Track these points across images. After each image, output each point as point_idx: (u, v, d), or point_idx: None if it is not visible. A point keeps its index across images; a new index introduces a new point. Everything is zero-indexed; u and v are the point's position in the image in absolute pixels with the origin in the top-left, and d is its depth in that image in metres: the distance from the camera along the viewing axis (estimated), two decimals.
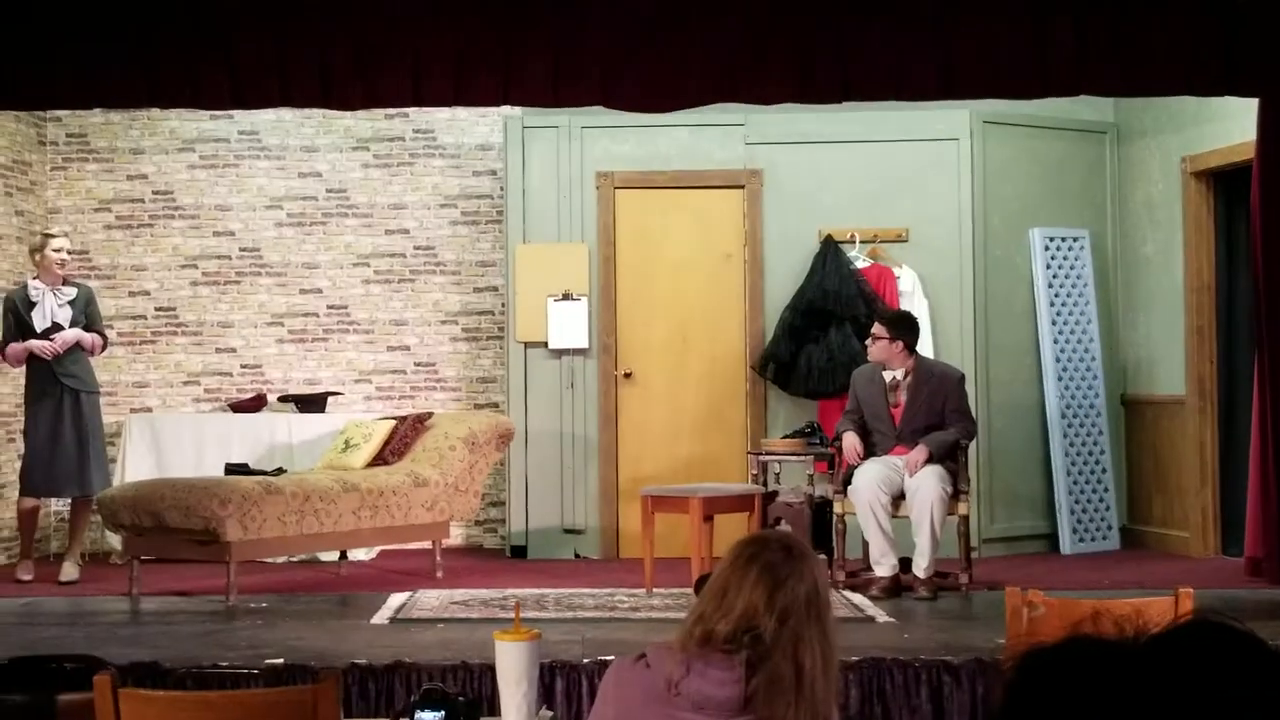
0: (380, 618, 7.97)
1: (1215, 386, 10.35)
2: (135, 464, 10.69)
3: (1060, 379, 10.87)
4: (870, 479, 8.72)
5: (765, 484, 9.51)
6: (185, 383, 11.67)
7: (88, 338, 9.71)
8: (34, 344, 9.54)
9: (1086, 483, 10.89)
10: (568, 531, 10.80)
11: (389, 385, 11.66)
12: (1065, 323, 10.95)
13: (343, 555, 9.99)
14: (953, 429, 8.87)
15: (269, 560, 10.00)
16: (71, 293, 9.75)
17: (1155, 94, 8.26)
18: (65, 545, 10.17)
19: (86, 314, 9.78)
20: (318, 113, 11.22)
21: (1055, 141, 11.06)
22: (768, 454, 9.69)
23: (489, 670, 5.90)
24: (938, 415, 8.91)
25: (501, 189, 11.31)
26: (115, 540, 9.89)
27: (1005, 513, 10.79)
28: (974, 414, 9.29)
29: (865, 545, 8.89)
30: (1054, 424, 10.82)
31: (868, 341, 9.22)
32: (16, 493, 9.98)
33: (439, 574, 9.54)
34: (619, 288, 10.90)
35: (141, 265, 11.69)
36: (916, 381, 8.98)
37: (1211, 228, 10.38)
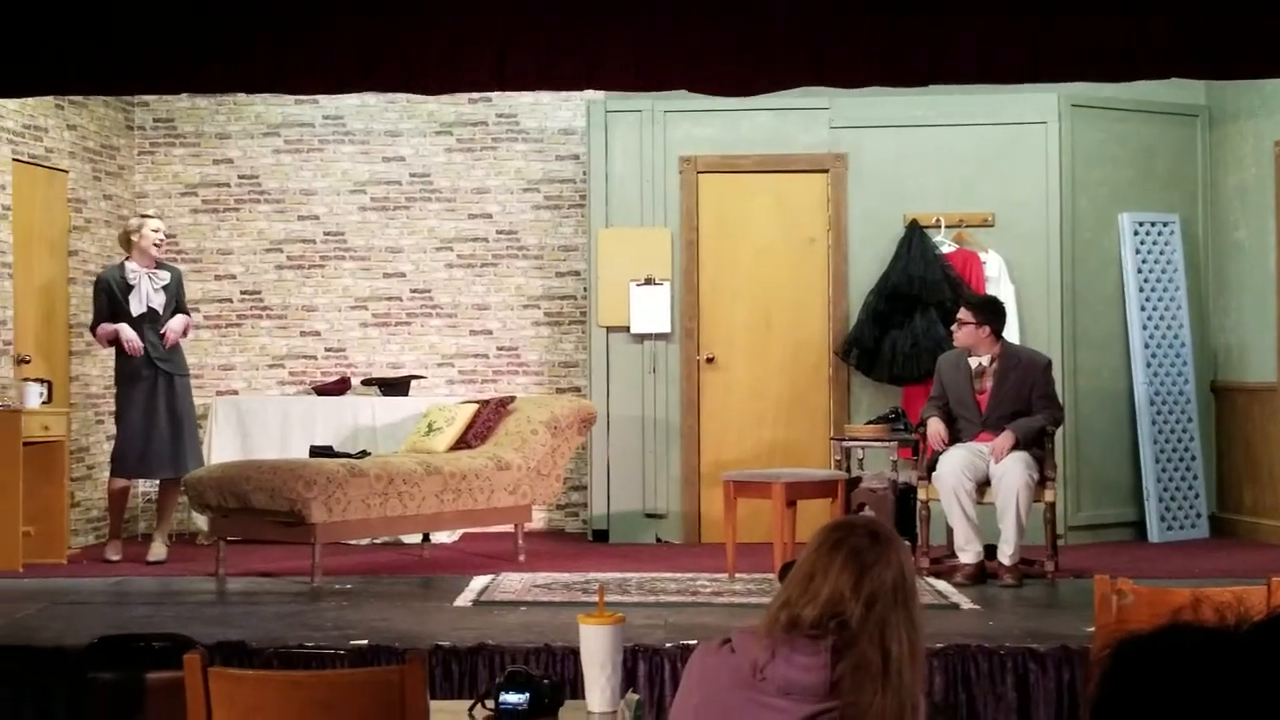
0: (463, 600, 7.99)
1: None
2: (221, 446, 10.78)
3: (1149, 365, 10.75)
4: (955, 465, 8.66)
5: (848, 470, 9.46)
6: (270, 366, 11.75)
7: (188, 322, 9.89)
8: (123, 336, 9.62)
9: (1175, 470, 10.77)
10: (649, 516, 10.80)
11: (471, 369, 11.69)
12: (1154, 309, 10.83)
13: (425, 538, 10.03)
14: (1039, 415, 8.78)
15: (353, 542, 10.06)
16: (166, 276, 9.87)
17: (1252, 77, 8.09)
18: (153, 525, 10.28)
19: (177, 296, 9.90)
20: (401, 97, 11.26)
21: (1145, 125, 10.93)
22: (851, 440, 9.65)
23: (572, 653, 5.90)
24: (1024, 402, 8.83)
25: (584, 173, 11.30)
26: (201, 521, 9.98)
27: (1092, 500, 10.69)
28: (1061, 400, 9.20)
29: (949, 532, 8.82)
30: (1142, 411, 10.70)
31: (953, 327, 9.15)
32: (108, 474, 10.09)
33: (521, 557, 9.56)
34: (701, 272, 10.88)
35: (227, 249, 11.78)
36: (1003, 367, 8.90)
37: None
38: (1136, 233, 10.79)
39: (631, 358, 10.84)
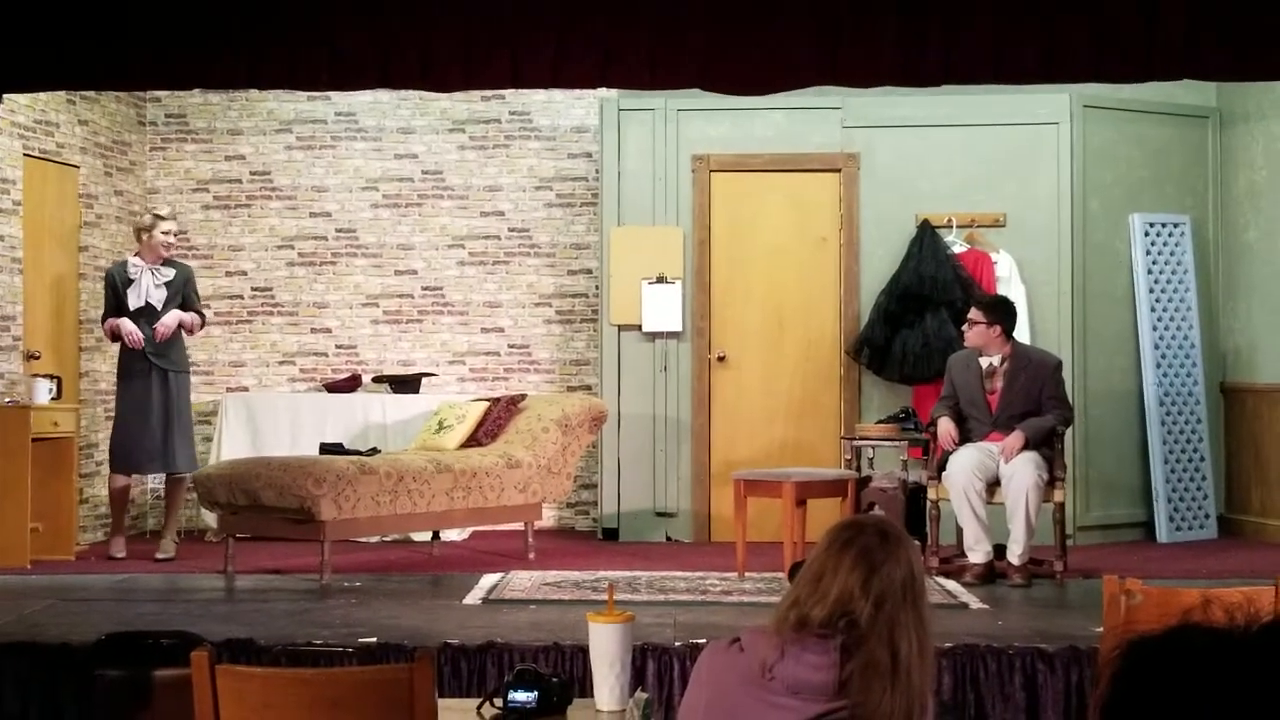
0: (472, 598, 8.00)
1: None
2: (231, 443, 10.79)
3: (1159, 366, 10.73)
4: (965, 465, 8.66)
5: (859, 469, 9.46)
6: (281, 362, 11.76)
7: (187, 318, 9.84)
8: (123, 329, 9.63)
9: (1184, 471, 10.76)
10: (659, 514, 10.79)
11: (482, 367, 11.69)
12: (1165, 310, 10.81)
13: (435, 535, 10.03)
14: (1049, 415, 8.78)
15: (362, 540, 10.05)
16: (170, 273, 9.85)
17: (1265, 78, 8.07)
18: (161, 522, 10.29)
19: (184, 294, 9.88)
20: (414, 94, 11.27)
21: (1157, 126, 10.92)
22: (861, 439, 9.64)
23: (581, 651, 5.91)
24: (1034, 402, 8.83)
25: (597, 171, 11.30)
26: (211, 518, 9.98)
27: (1101, 500, 10.68)
28: (1070, 401, 9.19)
29: (959, 531, 8.83)
30: (1152, 412, 10.69)
31: (964, 327, 9.14)
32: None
33: (531, 555, 9.56)
34: (713, 271, 10.87)
35: (238, 245, 11.79)
36: (1013, 368, 8.90)
37: None
38: (1147, 233, 10.78)
39: (643, 356, 10.84)
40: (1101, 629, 5.36)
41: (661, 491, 10.80)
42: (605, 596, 4.45)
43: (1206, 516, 10.81)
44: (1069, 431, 9.15)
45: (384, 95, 11.48)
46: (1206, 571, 8.96)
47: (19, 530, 9.16)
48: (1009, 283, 10.46)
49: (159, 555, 9.60)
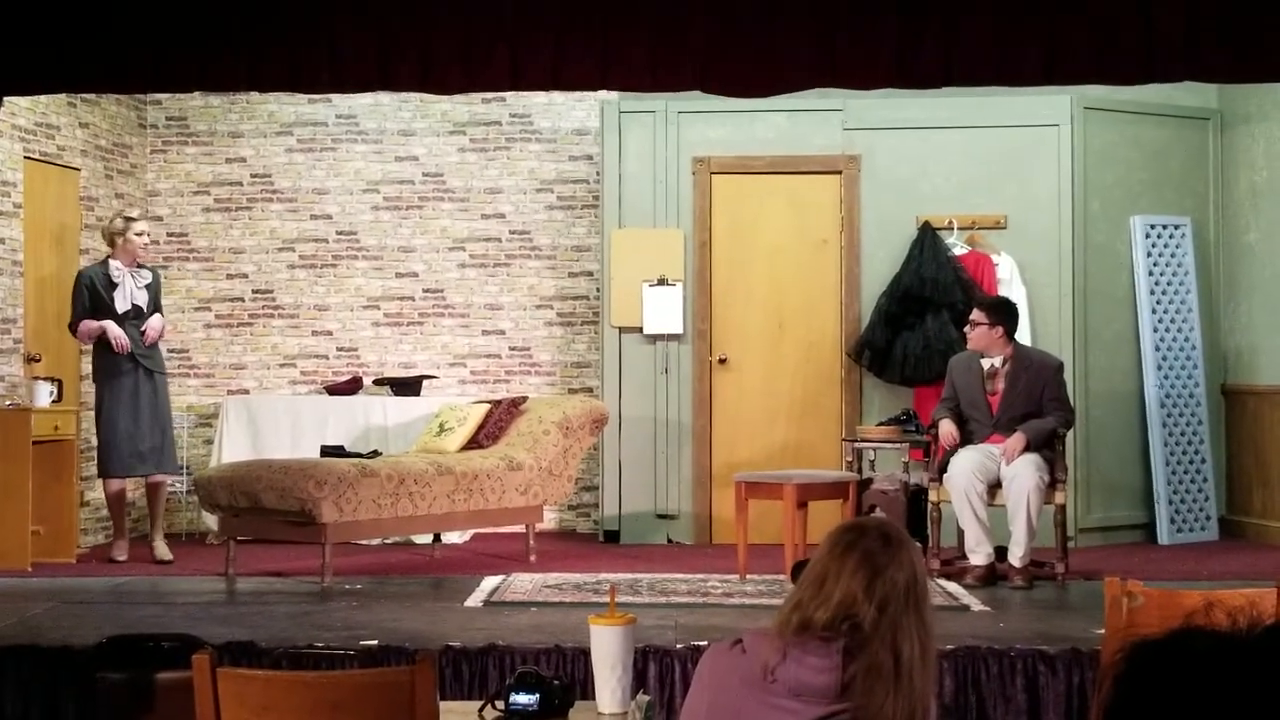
0: (474, 600, 7.99)
1: None
2: (232, 445, 10.79)
3: (1160, 368, 10.73)
4: (966, 467, 8.65)
5: (860, 471, 9.46)
6: (281, 365, 11.76)
7: (165, 323, 9.91)
8: (111, 334, 9.60)
9: (1185, 473, 10.76)
10: (660, 517, 10.79)
11: (483, 369, 11.69)
12: (1165, 311, 10.81)
13: (436, 538, 10.03)
14: (1050, 417, 8.77)
15: (363, 542, 10.06)
16: (148, 276, 9.89)
17: (1266, 80, 8.06)
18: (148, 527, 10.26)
19: (158, 296, 9.94)
20: (415, 97, 11.27)
21: (1157, 128, 10.92)
22: (863, 441, 9.65)
23: (583, 654, 5.91)
24: (1035, 404, 8.82)
25: (597, 174, 11.30)
26: (212, 520, 9.97)
27: (1102, 502, 10.68)
28: (1072, 403, 9.19)
29: (960, 533, 8.82)
30: (1153, 413, 10.69)
31: (966, 328, 9.14)
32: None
33: (532, 558, 9.56)
34: (714, 273, 10.87)
35: (239, 248, 11.79)
36: (1014, 369, 8.89)
37: None
38: (1148, 235, 10.78)
39: (644, 358, 10.84)
40: (1103, 631, 5.35)
41: (662, 493, 10.79)
42: (607, 599, 4.45)
43: (1208, 518, 10.81)
44: (1070, 433, 9.15)
45: (385, 98, 11.48)
46: (1208, 573, 8.96)
47: (20, 533, 9.15)
48: (1010, 284, 10.46)
49: (158, 558, 9.60)
